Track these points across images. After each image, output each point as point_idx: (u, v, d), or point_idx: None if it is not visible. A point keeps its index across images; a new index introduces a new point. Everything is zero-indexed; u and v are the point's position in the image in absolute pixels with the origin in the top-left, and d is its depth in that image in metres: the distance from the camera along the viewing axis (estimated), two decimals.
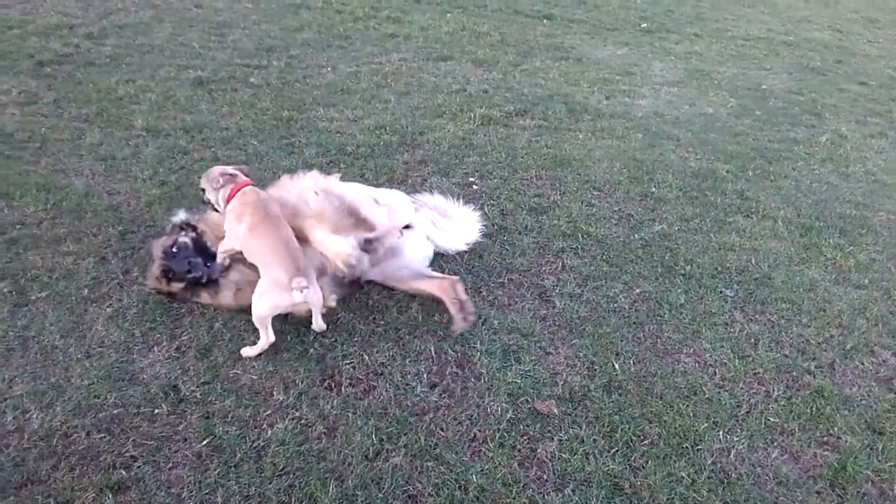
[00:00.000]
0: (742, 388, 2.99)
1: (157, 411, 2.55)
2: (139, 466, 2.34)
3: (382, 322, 3.16)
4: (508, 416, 2.72)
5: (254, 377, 2.76)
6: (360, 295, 3.31)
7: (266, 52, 6.69)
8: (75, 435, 2.41)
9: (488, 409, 2.74)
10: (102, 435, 2.43)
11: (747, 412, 2.86)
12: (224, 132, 4.84)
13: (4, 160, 4.09)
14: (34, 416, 2.47)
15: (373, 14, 8.58)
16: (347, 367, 2.87)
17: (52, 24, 6.60)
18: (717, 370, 3.08)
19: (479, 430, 2.65)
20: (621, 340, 3.20)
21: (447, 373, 2.91)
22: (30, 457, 2.32)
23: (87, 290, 3.12)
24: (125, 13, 7.28)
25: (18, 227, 3.50)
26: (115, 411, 2.53)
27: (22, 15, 6.80)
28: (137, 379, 2.68)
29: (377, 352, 2.97)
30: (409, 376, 2.86)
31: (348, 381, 2.80)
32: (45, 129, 4.54)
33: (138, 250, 3.44)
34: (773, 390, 2.99)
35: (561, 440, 2.63)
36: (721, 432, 2.73)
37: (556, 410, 2.77)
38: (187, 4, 7.96)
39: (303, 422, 2.59)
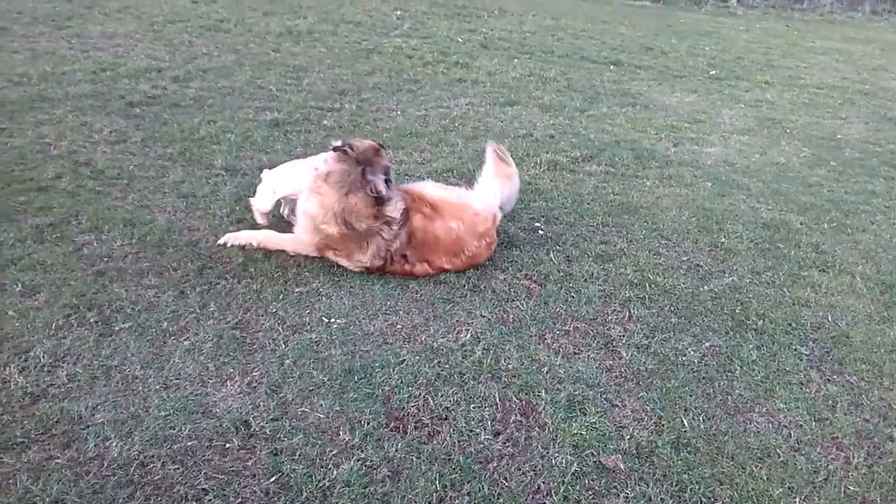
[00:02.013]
0: (819, 453, 2.87)
1: (228, 445, 2.62)
2: (210, 500, 2.39)
3: (447, 365, 3.17)
4: (573, 468, 2.68)
5: (321, 416, 2.80)
6: (424, 338, 3.34)
7: (339, 95, 6.94)
8: (151, 465, 2.49)
9: (553, 461, 2.71)
10: (177, 466, 2.50)
11: (825, 479, 2.74)
12: None
13: (95, 195, 4.33)
14: (114, 444, 2.56)
15: (441, 59, 8.81)
16: (412, 409, 2.89)
17: (141, 67, 7.01)
18: (792, 432, 2.97)
19: (543, 482, 2.61)
20: (690, 396, 3.13)
21: (511, 421, 2.90)
22: (108, 485, 2.40)
23: (166, 323, 3.25)
24: (209, 57, 7.69)
25: (106, 259, 3.68)
26: (189, 443, 2.60)
27: (114, 58, 7.25)
28: (211, 412, 2.76)
29: (441, 396, 2.98)
30: (472, 422, 2.86)
31: (413, 424, 2.82)
32: (133, 166, 4.79)
33: (215, 286, 3.57)
34: (854, 457, 2.86)
35: (627, 497, 2.57)
36: (797, 499, 2.62)
37: (622, 465, 2.71)
38: (266, 49, 8.35)
39: (367, 463, 2.61)
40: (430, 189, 4.14)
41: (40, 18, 8.48)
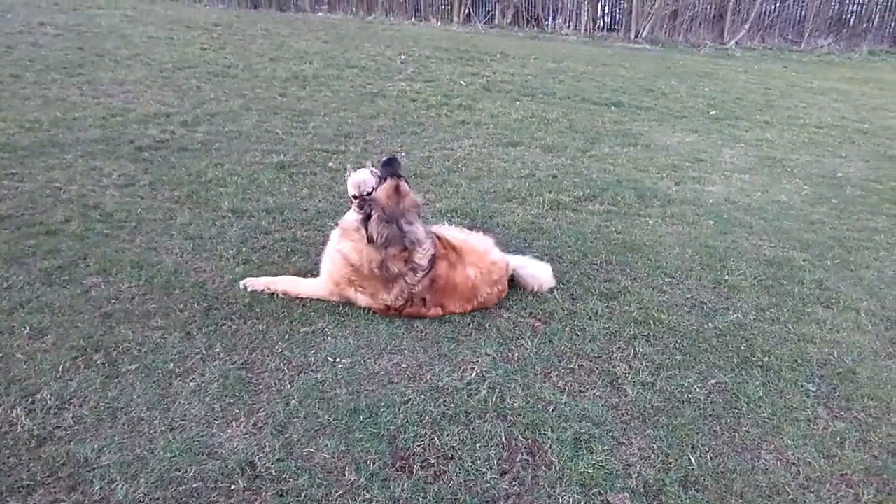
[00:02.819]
0: (829, 491, 2.84)
1: (233, 487, 2.61)
2: None
3: (452, 405, 3.17)
4: None
5: (327, 456, 2.80)
6: (429, 377, 3.34)
7: (344, 137, 7.05)
8: None
9: (560, 500, 2.69)
10: None
11: None
12: (304, 214, 5.07)
13: (104, 238, 4.39)
14: (119, 486, 2.55)
15: (445, 102, 8.95)
16: (418, 448, 2.88)
17: (150, 112, 7.15)
18: (800, 469, 2.94)
19: None
20: (697, 433, 3.11)
21: (517, 460, 2.88)
22: None
23: (172, 364, 3.26)
24: (217, 102, 7.84)
25: (113, 301, 3.72)
26: (195, 485, 2.59)
27: (124, 104, 7.40)
28: (216, 453, 2.76)
29: (447, 435, 2.97)
30: (479, 462, 2.85)
31: (419, 464, 2.80)
32: (141, 209, 4.86)
33: (221, 326, 3.59)
34: (863, 494, 2.83)
35: None
36: None
37: None
38: (273, 94, 8.51)
39: None
40: (453, 231, 4.28)
41: (52, 66, 8.68)
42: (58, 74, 8.32)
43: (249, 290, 3.91)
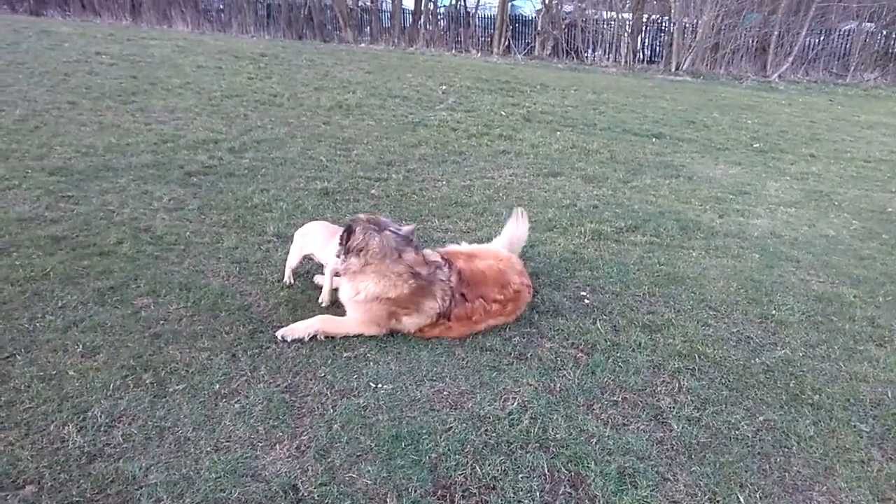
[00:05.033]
0: None
1: None
2: None
3: (494, 434, 3.15)
4: None
5: (368, 482, 2.79)
6: (471, 405, 3.33)
7: (386, 165, 7.14)
8: None
9: None
10: None
11: None
12: None
13: (154, 260, 4.50)
14: None
15: (485, 131, 9.03)
16: (460, 477, 2.86)
17: (200, 138, 7.36)
18: None
19: None
20: (745, 471, 3.03)
21: (560, 492, 2.84)
22: None
23: (218, 385, 3.31)
24: (263, 130, 8.03)
25: (162, 322, 3.80)
26: None
27: (175, 130, 7.63)
28: (260, 476, 2.78)
29: (489, 464, 2.95)
30: (521, 493, 2.81)
31: (460, 493, 2.78)
32: (189, 232, 4.98)
33: (265, 349, 3.64)
34: None
35: None
36: None
37: None
38: (317, 122, 8.69)
39: None
40: (454, 246, 4.54)
41: (107, 93, 9.01)
42: (112, 102, 8.63)
43: (289, 340, 3.74)
